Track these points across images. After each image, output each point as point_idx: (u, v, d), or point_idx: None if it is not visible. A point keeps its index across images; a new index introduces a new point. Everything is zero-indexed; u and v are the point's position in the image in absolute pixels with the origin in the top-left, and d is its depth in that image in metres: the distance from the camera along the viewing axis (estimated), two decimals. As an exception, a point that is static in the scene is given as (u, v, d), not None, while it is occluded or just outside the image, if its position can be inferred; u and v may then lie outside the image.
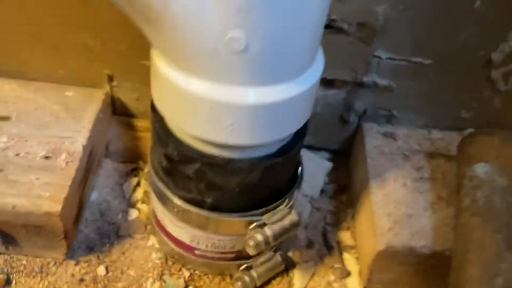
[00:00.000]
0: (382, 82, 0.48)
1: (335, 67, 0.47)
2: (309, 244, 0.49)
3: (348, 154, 0.56)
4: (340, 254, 0.48)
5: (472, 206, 0.39)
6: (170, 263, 0.46)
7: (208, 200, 0.37)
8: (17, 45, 0.48)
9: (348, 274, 0.47)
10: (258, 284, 0.43)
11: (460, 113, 0.51)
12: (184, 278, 0.45)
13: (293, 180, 0.41)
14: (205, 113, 0.30)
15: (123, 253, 0.46)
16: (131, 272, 0.45)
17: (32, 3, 0.44)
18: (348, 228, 0.51)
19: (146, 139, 0.53)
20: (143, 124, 0.53)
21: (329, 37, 0.44)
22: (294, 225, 0.39)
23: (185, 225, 0.39)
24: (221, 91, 0.29)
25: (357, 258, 0.48)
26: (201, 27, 0.26)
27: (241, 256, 0.42)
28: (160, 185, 0.39)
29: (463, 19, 0.43)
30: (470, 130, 0.51)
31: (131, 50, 0.47)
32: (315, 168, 0.55)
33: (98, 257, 0.46)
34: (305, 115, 0.34)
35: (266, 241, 0.37)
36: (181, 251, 0.43)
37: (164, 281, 0.45)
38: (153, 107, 0.36)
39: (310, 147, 0.57)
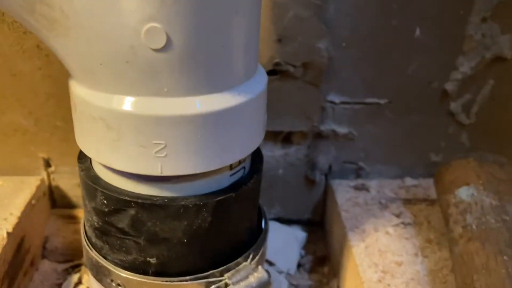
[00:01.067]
0: (342, 130, 0.46)
1: (289, 116, 0.44)
2: (291, 326, 0.40)
3: (322, 222, 0.50)
4: (330, 332, 0.40)
5: (466, 231, 0.33)
6: None
7: (153, 261, 0.30)
8: None
9: None
10: None
11: (429, 157, 0.48)
12: None
13: (257, 232, 0.35)
14: (130, 135, 0.26)
15: None
16: None
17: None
18: (334, 302, 0.43)
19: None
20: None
21: (278, 84, 0.43)
22: (263, 285, 0.31)
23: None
24: (146, 103, 0.25)
25: (350, 334, 0.39)
26: (113, 21, 0.23)
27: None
28: (93, 254, 0.32)
29: (407, 50, 0.42)
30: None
31: (69, 125, 0.43)
32: (287, 239, 0.48)
33: None
34: (256, 135, 0.30)
35: None
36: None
37: None
38: (79, 156, 0.32)
39: (279, 220, 0.51)
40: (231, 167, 0.30)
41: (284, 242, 0.48)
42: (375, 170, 0.48)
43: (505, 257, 0.31)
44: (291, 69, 0.42)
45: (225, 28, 0.25)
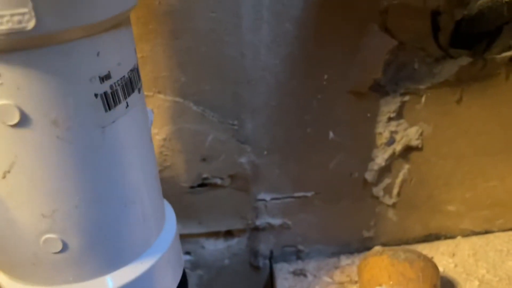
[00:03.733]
0: (276, 221, 0.49)
1: (225, 219, 0.48)
2: None
3: (272, 299, 0.54)
4: None
5: (376, 337, 0.37)
6: None
7: None
8: None
9: None
10: None
11: (362, 234, 0.52)
12: None
13: None
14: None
15: None
16: None
17: None
18: None
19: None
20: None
21: (208, 193, 0.46)
22: None
23: None
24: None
25: None
26: (16, 236, 0.26)
27: None
28: None
29: (325, 150, 0.46)
30: (377, 247, 0.51)
31: None
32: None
33: None
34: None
35: None
36: None
37: None
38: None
39: (232, 302, 0.55)
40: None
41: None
42: (314, 250, 0.52)
43: None
44: (219, 181, 0.45)
45: (116, 221, 0.28)
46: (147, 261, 0.31)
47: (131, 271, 0.30)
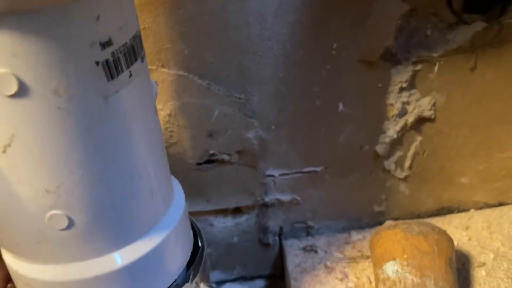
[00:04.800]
0: (285, 197, 0.48)
1: (233, 196, 0.47)
2: None
3: (283, 275, 0.54)
4: None
5: (391, 311, 0.37)
6: None
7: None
8: None
9: None
10: None
11: (373, 208, 0.51)
12: None
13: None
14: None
15: None
16: None
17: None
18: None
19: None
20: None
21: (216, 170, 0.45)
22: None
23: None
24: (65, 270, 0.27)
25: None
26: (20, 213, 0.25)
27: None
28: None
29: (334, 123, 0.44)
30: (389, 221, 0.50)
31: None
32: (249, 300, 0.52)
33: None
34: (180, 260, 0.33)
35: None
36: None
37: None
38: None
39: (243, 278, 0.54)
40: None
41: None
42: (324, 226, 0.51)
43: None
44: (226, 157, 0.44)
45: (123, 196, 0.27)
46: (155, 238, 0.30)
47: (140, 247, 0.29)
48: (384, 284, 0.38)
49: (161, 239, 0.30)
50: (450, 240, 0.40)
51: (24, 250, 0.28)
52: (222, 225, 0.50)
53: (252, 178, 0.46)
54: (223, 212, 0.49)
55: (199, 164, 0.44)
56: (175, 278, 0.33)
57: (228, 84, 0.40)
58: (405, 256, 0.39)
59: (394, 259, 0.39)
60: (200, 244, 0.37)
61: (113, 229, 0.27)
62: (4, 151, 0.22)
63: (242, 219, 0.50)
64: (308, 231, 0.51)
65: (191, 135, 0.42)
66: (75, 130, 0.22)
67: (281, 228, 0.51)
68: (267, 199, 0.48)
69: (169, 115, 0.41)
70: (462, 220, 0.50)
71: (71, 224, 0.26)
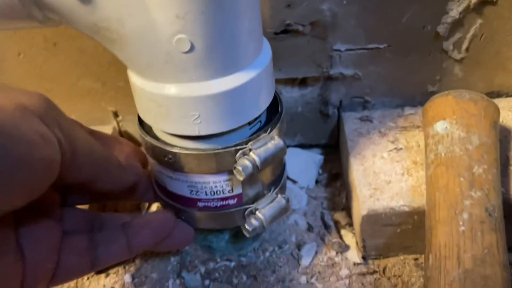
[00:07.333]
0: (348, 72, 0.54)
1: (302, 66, 0.53)
2: (310, 228, 0.53)
3: (337, 145, 0.61)
4: (338, 232, 0.52)
5: (436, 158, 0.43)
6: (187, 263, 0.51)
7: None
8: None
9: (347, 247, 0.51)
10: (266, 225, 0.43)
11: (427, 88, 0.56)
12: (200, 273, 0.50)
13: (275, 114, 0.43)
14: (175, 110, 0.36)
15: (146, 261, 0.52)
16: (154, 276, 0.51)
17: (42, 60, 0.53)
18: (343, 209, 0.55)
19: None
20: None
21: (290, 40, 0.51)
22: (279, 149, 0.40)
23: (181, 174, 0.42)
24: (184, 88, 0.35)
25: (353, 233, 0.52)
26: (153, 37, 0.33)
27: (242, 201, 0.43)
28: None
29: (401, 2, 0.49)
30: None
31: (128, 85, 0.55)
32: (308, 162, 0.60)
33: (124, 267, 0.52)
34: (266, 96, 0.40)
35: (253, 164, 0.38)
36: (186, 209, 0.44)
37: (183, 278, 0.50)
38: (139, 121, 0.43)
39: (302, 146, 0.62)
40: (249, 123, 0.41)
41: (304, 164, 0.60)
42: (380, 102, 0.57)
43: (461, 179, 0.40)
44: (300, 28, 0.50)
45: (233, 31, 0.34)
46: (250, 73, 0.37)
47: (238, 78, 0.36)
48: (433, 138, 0.44)
49: (254, 74, 0.37)
50: (497, 107, 0.45)
51: (152, 71, 0.36)
52: (289, 95, 0.57)
53: (320, 50, 0.52)
54: (291, 82, 0.55)
55: (276, 33, 0.50)
56: (260, 113, 0.40)
57: (309, -44, 0.44)
58: (454, 116, 0.44)
59: (444, 119, 0.45)
60: (280, 109, 0.44)
61: (221, 58, 0.35)
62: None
63: (307, 90, 0.56)
64: (365, 105, 0.57)
65: (271, 5, 0.48)
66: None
67: (340, 102, 0.57)
68: (332, 72, 0.54)
69: (254, -16, 0.46)
70: (509, 103, 0.54)
71: (192, 48, 0.33)
